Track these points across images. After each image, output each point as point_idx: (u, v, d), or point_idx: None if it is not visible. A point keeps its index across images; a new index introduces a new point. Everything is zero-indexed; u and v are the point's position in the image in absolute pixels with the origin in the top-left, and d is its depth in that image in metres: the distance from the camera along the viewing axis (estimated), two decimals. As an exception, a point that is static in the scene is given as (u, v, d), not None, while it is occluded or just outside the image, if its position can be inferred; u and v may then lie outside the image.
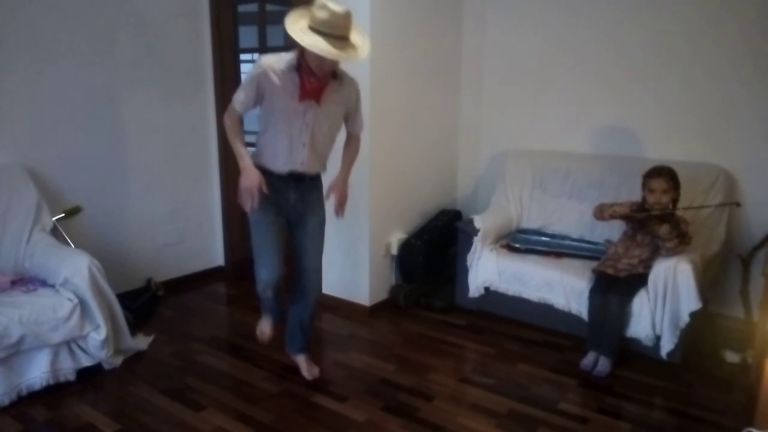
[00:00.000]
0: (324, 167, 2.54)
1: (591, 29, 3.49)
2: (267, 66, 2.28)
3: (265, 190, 2.32)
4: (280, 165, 2.40)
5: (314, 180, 2.54)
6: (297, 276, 2.63)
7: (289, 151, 2.37)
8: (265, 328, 2.76)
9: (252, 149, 2.46)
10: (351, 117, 2.52)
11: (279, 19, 4.23)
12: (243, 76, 4.00)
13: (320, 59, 2.14)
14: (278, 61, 2.29)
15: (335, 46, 2.09)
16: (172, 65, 3.72)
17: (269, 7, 3.69)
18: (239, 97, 2.35)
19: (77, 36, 3.22)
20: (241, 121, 2.46)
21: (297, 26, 2.13)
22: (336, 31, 2.11)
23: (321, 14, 2.09)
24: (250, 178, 2.30)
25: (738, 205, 3.08)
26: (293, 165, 2.40)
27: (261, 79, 2.28)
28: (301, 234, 2.56)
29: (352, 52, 2.14)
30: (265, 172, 2.37)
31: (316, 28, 2.10)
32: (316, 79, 2.25)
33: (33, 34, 3.04)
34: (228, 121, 2.41)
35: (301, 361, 2.76)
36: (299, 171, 2.42)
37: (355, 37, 2.18)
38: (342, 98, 2.41)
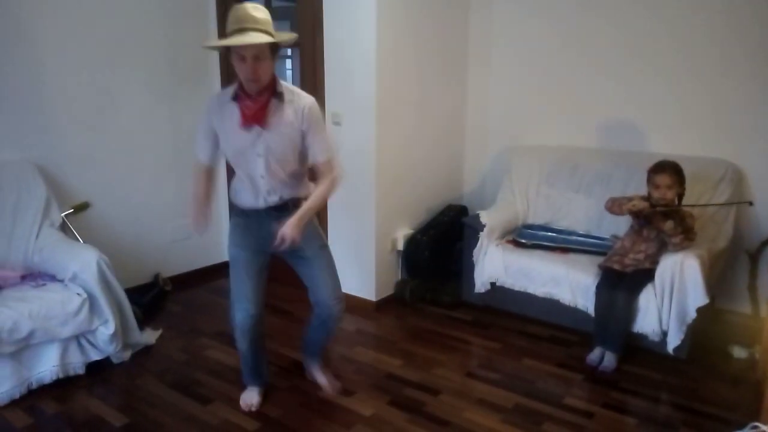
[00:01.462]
0: (305, 188, 2.30)
1: (600, 23, 3.47)
2: (209, 103, 2.19)
3: (202, 223, 2.30)
4: (251, 202, 2.24)
5: (298, 206, 2.21)
6: (318, 309, 2.40)
7: (251, 186, 2.21)
8: (249, 399, 2.48)
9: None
10: (310, 143, 2.17)
11: (285, 16, 4.23)
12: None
13: (241, 62, 1.98)
14: (218, 96, 2.21)
15: (245, 37, 1.94)
16: (178, 62, 3.74)
17: (275, 3, 3.69)
18: (196, 146, 2.26)
19: (85, 35, 3.23)
20: (208, 172, 2.31)
21: (210, 43, 2.06)
22: (247, 23, 1.95)
23: (231, 15, 1.99)
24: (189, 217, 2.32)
25: (751, 204, 3.05)
26: (262, 199, 2.22)
27: (207, 117, 2.19)
28: (303, 265, 2.35)
29: (264, 36, 1.96)
30: (244, 211, 2.28)
31: (228, 29, 1.99)
32: (252, 102, 2.08)
33: (41, 34, 3.06)
34: (192, 176, 2.32)
35: (320, 376, 2.62)
36: (273, 202, 2.23)
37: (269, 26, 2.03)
38: (291, 117, 2.13)
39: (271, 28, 2.03)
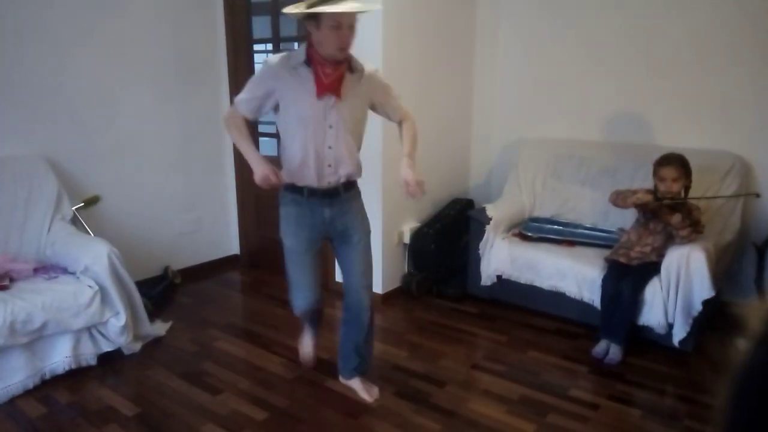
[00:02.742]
0: (358, 171, 2.29)
1: (607, 17, 3.46)
2: (275, 64, 2.08)
3: (278, 178, 2.10)
4: (310, 179, 2.17)
5: (349, 190, 2.28)
6: (347, 296, 2.43)
7: (315, 160, 2.14)
8: (306, 344, 2.67)
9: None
10: (383, 107, 2.29)
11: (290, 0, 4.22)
12: (256, 67, 4.05)
13: (336, 31, 1.93)
14: (287, 58, 2.08)
15: (348, 4, 1.89)
16: (186, 56, 3.76)
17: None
18: (242, 96, 2.14)
19: (94, 30, 3.27)
20: (244, 121, 2.19)
21: (299, 9, 1.95)
22: None
23: None
24: (259, 174, 2.06)
25: (757, 195, 3.04)
26: (323, 177, 2.18)
27: (269, 79, 2.09)
28: (345, 251, 2.35)
29: (364, 4, 1.93)
30: (295, 190, 2.22)
31: None
32: (332, 69, 2.04)
33: (51, 29, 3.09)
34: (227, 120, 2.20)
35: (356, 384, 2.52)
36: (331, 182, 2.20)
37: None
38: (364, 90, 2.18)
39: None
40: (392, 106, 2.31)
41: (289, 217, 2.28)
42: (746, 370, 0.58)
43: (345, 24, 1.95)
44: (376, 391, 2.51)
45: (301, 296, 2.37)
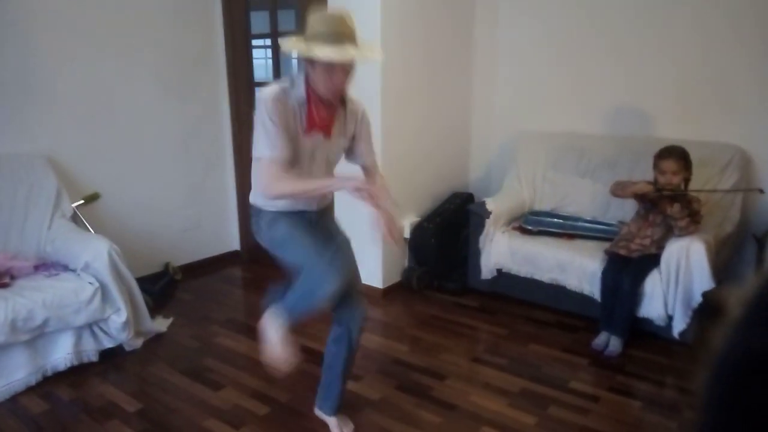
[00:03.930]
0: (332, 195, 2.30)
1: (606, 10, 3.45)
2: (278, 101, 1.88)
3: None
4: (302, 206, 2.09)
5: (325, 212, 2.25)
6: (339, 304, 2.13)
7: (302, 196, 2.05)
8: (286, 344, 2.14)
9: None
10: (359, 144, 2.11)
11: (290, 4, 4.24)
12: (255, 62, 4.04)
13: (329, 74, 1.81)
14: (286, 92, 1.90)
15: (345, 50, 1.77)
16: (185, 53, 3.76)
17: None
18: (271, 150, 1.86)
19: (93, 28, 3.26)
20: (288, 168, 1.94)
21: (298, 45, 1.81)
22: (340, 27, 1.78)
23: (318, 18, 1.81)
24: (350, 183, 1.88)
25: (761, 191, 3.01)
26: (315, 203, 2.12)
27: (278, 115, 1.87)
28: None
29: (366, 51, 1.82)
30: (280, 213, 2.08)
31: (319, 37, 1.76)
32: (326, 108, 1.94)
33: (51, 28, 3.08)
34: (277, 184, 1.90)
35: (333, 423, 2.27)
36: (321, 206, 2.18)
37: (360, 39, 1.86)
38: (349, 124, 2.07)
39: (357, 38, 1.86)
40: (368, 148, 2.16)
41: (276, 221, 2.08)
42: (721, 354, 0.59)
43: (339, 67, 1.81)
44: (351, 427, 2.29)
45: (325, 274, 1.91)
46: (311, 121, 1.94)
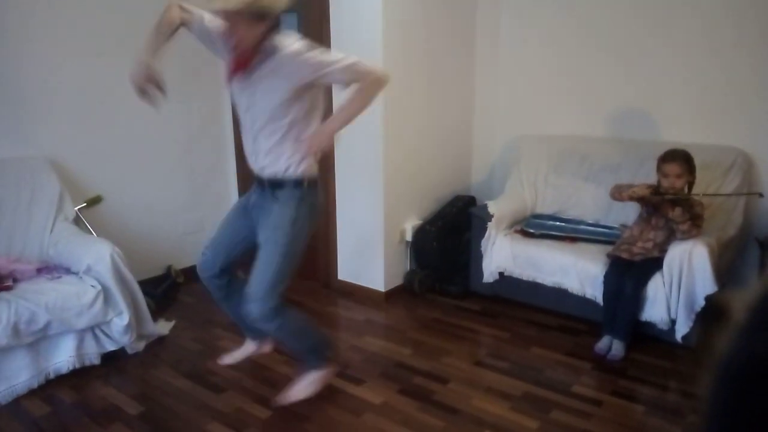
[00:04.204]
0: (286, 169, 2.10)
1: (609, 12, 3.45)
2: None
3: (160, 86, 2.16)
4: (250, 160, 2.21)
5: (274, 189, 2.12)
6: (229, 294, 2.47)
7: (243, 141, 2.19)
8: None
9: None
10: (323, 78, 1.99)
11: (292, 7, 4.23)
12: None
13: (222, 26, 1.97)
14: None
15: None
16: (187, 55, 3.75)
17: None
18: (194, 10, 2.17)
19: (96, 29, 3.27)
20: (179, 21, 2.29)
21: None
22: None
23: None
24: (132, 71, 2.09)
25: (761, 195, 3.00)
26: (254, 158, 2.18)
27: (215, 31, 2.12)
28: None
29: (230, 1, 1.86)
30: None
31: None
32: (237, 54, 2.03)
33: (53, 30, 3.09)
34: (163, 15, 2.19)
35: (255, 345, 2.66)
36: (255, 170, 2.18)
37: None
38: (281, 72, 1.98)
39: None
40: (335, 78, 2.00)
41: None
42: (725, 358, 0.59)
43: (222, 18, 1.97)
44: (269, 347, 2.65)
45: (203, 252, 2.39)
46: (228, 70, 2.08)
